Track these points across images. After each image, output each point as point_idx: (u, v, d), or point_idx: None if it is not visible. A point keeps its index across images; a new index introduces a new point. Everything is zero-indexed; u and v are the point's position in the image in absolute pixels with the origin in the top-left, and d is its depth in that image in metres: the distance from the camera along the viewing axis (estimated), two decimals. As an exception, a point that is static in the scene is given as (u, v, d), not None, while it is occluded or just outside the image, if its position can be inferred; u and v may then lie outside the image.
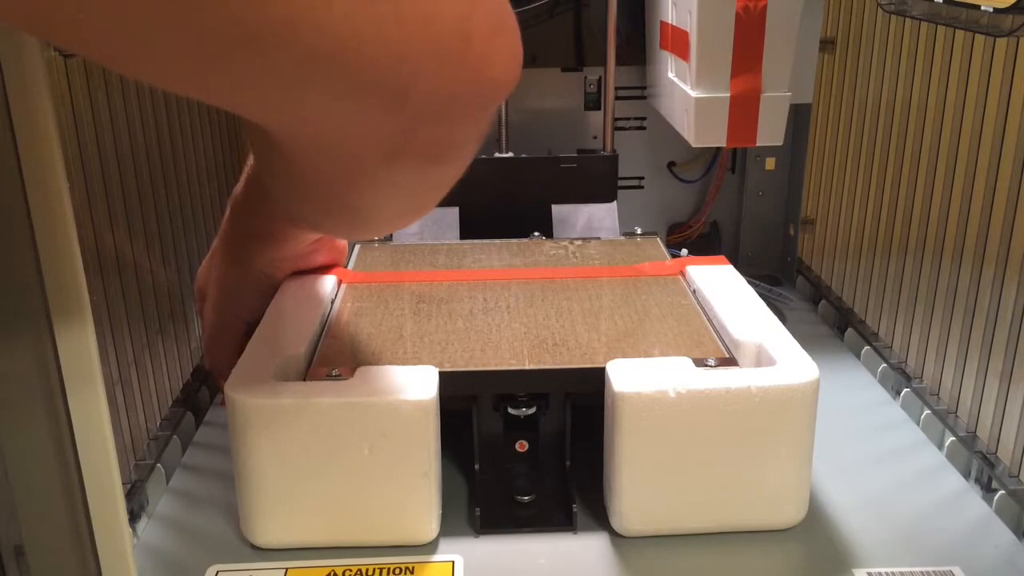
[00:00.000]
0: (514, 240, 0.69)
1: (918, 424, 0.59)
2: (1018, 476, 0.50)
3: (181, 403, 0.60)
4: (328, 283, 0.58)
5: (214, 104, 0.28)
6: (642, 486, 0.46)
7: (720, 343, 0.51)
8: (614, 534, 0.48)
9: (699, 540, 0.47)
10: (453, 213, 0.73)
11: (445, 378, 0.47)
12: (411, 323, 0.54)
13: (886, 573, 0.46)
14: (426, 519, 0.47)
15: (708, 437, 0.45)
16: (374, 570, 0.46)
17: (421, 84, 0.27)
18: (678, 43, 0.66)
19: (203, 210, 0.66)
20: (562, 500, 0.50)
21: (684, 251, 0.65)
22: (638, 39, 0.78)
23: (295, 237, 0.55)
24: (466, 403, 0.50)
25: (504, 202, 0.73)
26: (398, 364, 0.48)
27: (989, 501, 0.51)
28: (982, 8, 0.51)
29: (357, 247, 0.67)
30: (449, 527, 0.49)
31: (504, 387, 0.50)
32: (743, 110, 0.63)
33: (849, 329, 0.71)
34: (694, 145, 0.66)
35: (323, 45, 0.24)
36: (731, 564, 0.46)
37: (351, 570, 0.46)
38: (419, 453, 0.45)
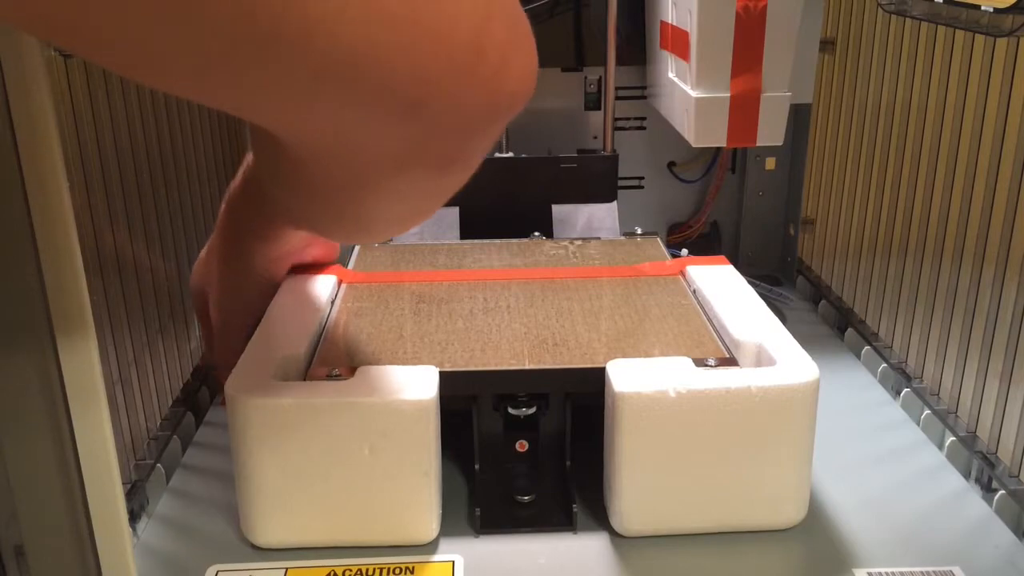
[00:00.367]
0: (514, 240, 0.69)
1: (918, 424, 0.59)
2: (1018, 476, 0.50)
3: (181, 403, 0.60)
4: (328, 283, 0.58)
5: (221, 109, 0.28)
6: (642, 486, 0.46)
7: (720, 343, 0.51)
8: (614, 534, 0.48)
9: (699, 540, 0.47)
10: (453, 213, 0.73)
11: (445, 378, 0.47)
12: (411, 323, 0.54)
13: (886, 573, 0.46)
14: (426, 519, 0.47)
15: (708, 437, 0.45)
16: (374, 570, 0.46)
17: (436, 96, 0.26)
18: (678, 43, 0.66)
19: (203, 209, 0.66)
20: (562, 500, 0.50)
21: (684, 251, 0.65)
22: (638, 39, 0.78)
23: (293, 234, 0.55)
24: (466, 403, 0.50)
25: (504, 202, 0.73)
26: (398, 364, 0.48)
27: (989, 501, 0.51)
28: (982, 8, 0.51)
29: (357, 247, 0.67)
30: (449, 527, 0.49)
31: (504, 387, 0.50)
32: (743, 110, 0.63)
33: (849, 329, 0.71)
34: (694, 145, 0.66)
35: (338, 54, 0.24)
36: (731, 564, 0.46)
37: (351, 570, 0.46)
38: (419, 453, 0.45)
